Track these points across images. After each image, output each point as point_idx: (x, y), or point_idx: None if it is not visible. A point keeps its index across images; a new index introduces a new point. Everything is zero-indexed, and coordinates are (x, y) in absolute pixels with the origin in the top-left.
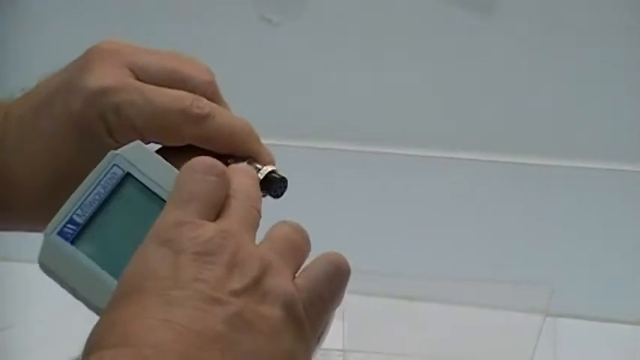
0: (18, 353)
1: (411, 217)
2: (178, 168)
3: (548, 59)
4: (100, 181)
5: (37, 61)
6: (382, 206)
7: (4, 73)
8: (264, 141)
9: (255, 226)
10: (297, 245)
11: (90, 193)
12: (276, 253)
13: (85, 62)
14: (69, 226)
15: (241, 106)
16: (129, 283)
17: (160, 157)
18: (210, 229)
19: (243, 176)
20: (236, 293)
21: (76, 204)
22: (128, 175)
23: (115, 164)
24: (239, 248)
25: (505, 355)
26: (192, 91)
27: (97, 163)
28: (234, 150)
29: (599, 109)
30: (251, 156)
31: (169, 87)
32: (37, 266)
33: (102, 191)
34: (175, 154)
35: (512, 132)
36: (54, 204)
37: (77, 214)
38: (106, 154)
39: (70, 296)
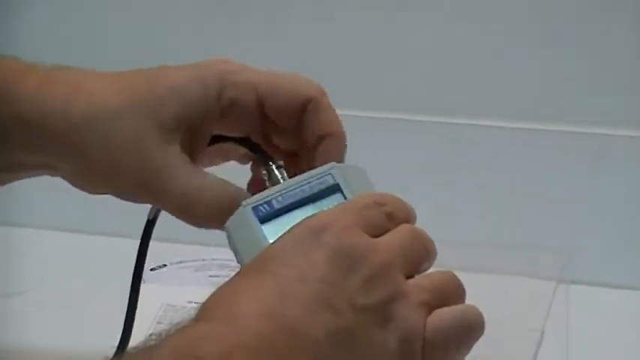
0: (34, 317)
1: (427, 182)
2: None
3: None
4: (311, 181)
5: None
6: (402, 173)
7: None
8: None
9: (417, 261)
10: (450, 289)
11: (296, 187)
12: (423, 289)
13: None
14: (264, 205)
15: None
16: (260, 258)
17: (373, 185)
18: (360, 235)
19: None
20: (356, 308)
21: (281, 191)
22: (337, 185)
23: (330, 173)
24: (385, 266)
25: (517, 323)
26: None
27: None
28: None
29: (619, 79)
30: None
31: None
32: (52, 232)
33: (307, 190)
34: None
35: (533, 99)
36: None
37: (276, 200)
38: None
39: (86, 262)
